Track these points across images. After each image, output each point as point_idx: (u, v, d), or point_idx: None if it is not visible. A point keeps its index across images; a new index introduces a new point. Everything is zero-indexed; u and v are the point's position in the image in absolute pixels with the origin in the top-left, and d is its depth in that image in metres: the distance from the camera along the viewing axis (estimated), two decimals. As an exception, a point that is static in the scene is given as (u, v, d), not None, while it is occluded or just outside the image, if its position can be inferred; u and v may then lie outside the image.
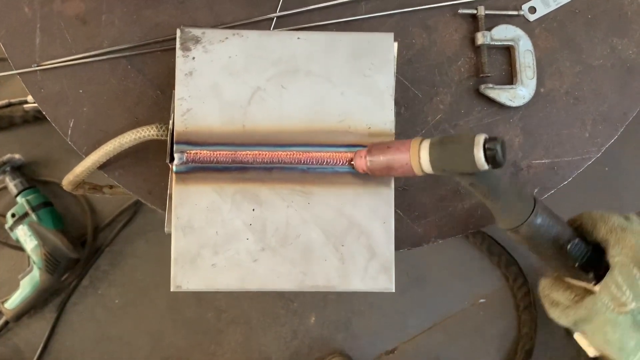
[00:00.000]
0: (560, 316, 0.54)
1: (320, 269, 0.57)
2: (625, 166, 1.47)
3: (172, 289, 0.56)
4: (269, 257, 0.56)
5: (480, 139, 0.46)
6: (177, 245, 0.56)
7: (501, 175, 0.51)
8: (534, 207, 0.52)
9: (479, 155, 0.46)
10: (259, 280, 0.56)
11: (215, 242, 0.56)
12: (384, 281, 0.57)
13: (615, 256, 0.50)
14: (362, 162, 0.55)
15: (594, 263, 0.53)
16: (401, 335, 1.44)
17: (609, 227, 0.52)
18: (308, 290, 0.57)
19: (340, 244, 0.57)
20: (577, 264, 0.53)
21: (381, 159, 0.54)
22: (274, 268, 0.56)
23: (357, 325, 1.44)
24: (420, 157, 0.50)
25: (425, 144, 0.50)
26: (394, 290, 0.56)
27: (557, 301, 0.55)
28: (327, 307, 1.44)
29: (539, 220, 0.52)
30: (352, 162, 0.57)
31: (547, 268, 0.58)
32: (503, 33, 0.66)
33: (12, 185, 1.36)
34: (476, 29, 0.67)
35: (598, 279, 0.52)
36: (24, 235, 1.33)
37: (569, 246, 0.52)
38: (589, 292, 0.53)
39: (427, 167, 0.50)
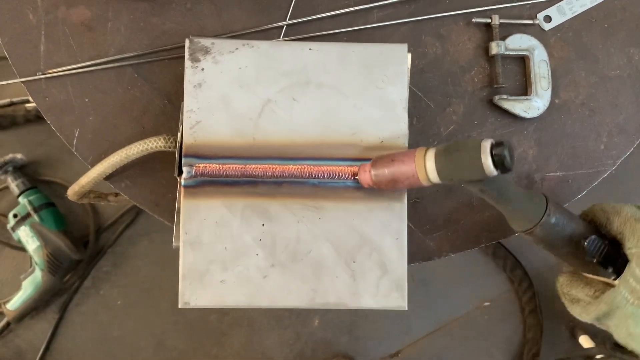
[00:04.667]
0: (581, 313, 0.54)
1: (331, 286, 0.56)
2: (633, 170, 1.46)
3: (180, 306, 0.55)
4: (279, 273, 0.55)
5: (486, 144, 0.45)
6: (186, 261, 0.55)
7: (510, 178, 0.50)
8: (546, 207, 0.51)
9: (487, 162, 0.45)
10: (269, 297, 0.55)
11: (225, 257, 0.55)
12: (397, 299, 0.56)
13: (632, 248, 0.49)
14: (367, 176, 0.54)
15: (612, 257, 0.52)
16: (405, 338, 1.44)
17: (622, 219, 0.52)
18: (319, 308, 0.56)
19: (351, 260, 0.56)
20: (595, 261, 0.52)
21: (386, 172, 0.52)
22: (284, 285, 0.55)
23: (360, 328, 1.43)
24: (426, 167, 0.49)
25: (431, 154, 0.49)
26: (406, 308, 0.55)
27: (577, 298, 0.54)
28: (331, 310, 1.43)
29: (552, 220, 0.51)
30: (357, 177, 0.56)
31: (563, 264, 0.58)
32: (518, 42, 0.65)
33: (14, 185, 1.35)
34: (490, 38, 0.65)
35: (618, 273, 0.52)
36: (25, 236, 1.32)
37: (585, 243, 0.52)
38: (610, 286, 0.52)
39: (434, 176, 0.49)
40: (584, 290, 0.54)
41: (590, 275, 0.55)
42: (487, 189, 0.49)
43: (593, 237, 0.52)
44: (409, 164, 0.50)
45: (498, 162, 0.45)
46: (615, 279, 0.52)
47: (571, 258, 0.54)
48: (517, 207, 0.51)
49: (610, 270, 0.52)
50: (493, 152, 0.45)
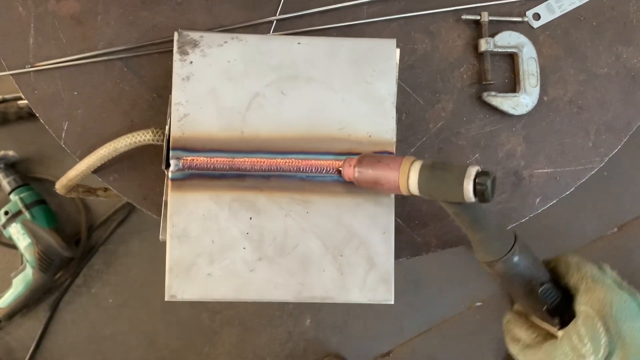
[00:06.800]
0: (519, 353, 0.55)
1: (318, 279, 0.56)
2: (624, 171, 1.46)
3: (166, 299, 0.55)
4: (266, 267, 0.55)
5: (472, 171, 0.46)
6: (172, 254, 0.55)
7: (487, 208, 0.51)
8: (513, 245, 0.51)
9: (468, 187, 0.46)
10: (256, 290, 0.55)
11: (212, 251, 0.55)
12: (383, 293, 0.56)
13: (582, 305, 0.51)
14: (350, 171, 0.54)
15: (561, 308, 0.53)
16: (397, 338, 1.44)
17: (581, 275, 0.53)
18: (305, 302, 0.56)
19: (339, 254, 0.56)
20: (544, 308, 0.53)
21: (370, 172, 0.52)
22: (271, 278, 0.55)
23: (352, 328, 1.43)
24: (409, 177, 0.49)
25: (417, 166, 0.49)
26: (393, 302, 0.55)
27: (519, 338, 0.56)
28: (323, 309, 1.43)
29: (515, 259, 0.51)
30: (340, 169, 0.56)
31: (513, 302, 0.59)
32: (507, 40, 0.65)
33: (5, 182, 1.34)
34: (479, 35, 0.66)
35: (562, 324, 0.53)
36: (17, 233, 1.31)
37: (540, 289, 0.52)
38: (551, 336, 0.54)
39: (414, 188, 0.49)
40: (526, 333, 0.55)
41: (536, 320, 0.56)
42: (462, 213, 0.49)
43: (548, 285, 0.53)
44: (394, 171, 0.51)
45: (479, 191, 0.46)
46: (559, 330, 0.53)
47: (523, 298, 0.55)
48: (485, 238, 0.51)
49: (556, 320, 0.53)
50: (476, 180, 0.46)
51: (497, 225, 0.51)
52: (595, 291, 0.51)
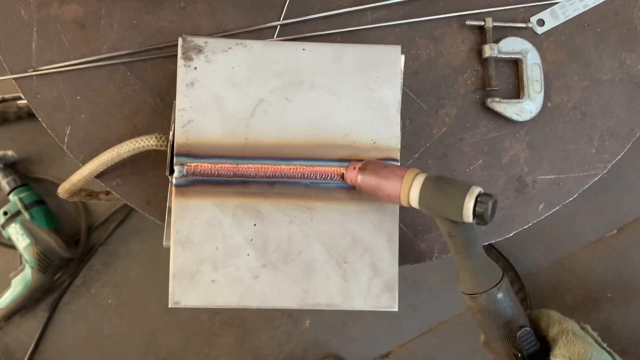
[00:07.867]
0: None
1: (322, 286, 0.55)
2: (624, 173, 1.46)
3: (170, 305, 0.54)
4: (269, 273, 0.55)
5: (475, 190, 0.46)
6: (176, 261, 0.55)
7: (479, 239, 0.50)
8: (500, 280, 0.51)
9: (469, 206, 0.45)
10: (260, 297, 0.55)
11: (215, 257, 0.55)
12: (387, 300, 0.56)
13: (558, 356, 0.50)
14: (354, 175, 0.54)
15: (536, 358, 0.52)
16: (396, 339, 1.44)
17: (562, 328, 0.52)
18: (309, 309, 0.55)
19: (343, 261, 0.56)
20: (520, 355, 0.51)
21: (372, 180, 0.52)
22: (275, 285, 0.55)
23: (352, 329, 1.43)
24: (411, 189, 0.49)
25: (420, 178, 0.49)
26: (397, 310, 0.55)
27: None
28: (322, 311, 1.42)
29: (499, 295, 0.50)
30: (344, 172, 0.56)
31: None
32: (511, 46, 0.65)
33: (4, 182, 1.34)
34: (483, 41, 0.65)
35: None
36: (16, 233, 1.31)
37: (519, 333, 0.51)
38: None
39: (414, 200, 0.49)
40: None
41: None
42: (457, 234, 0.49)
43: (528, 330, 0.51)
44: (396, 182, 0.50)
45: (478, 211, 0.45)
46: None
47: (498, 342, 0.53)
48: (473, 266, 0.50)
49: None
50: (478, 200, 0.45)
51: (487, 259, 0.51)
52: (576, 345, 0.50)
